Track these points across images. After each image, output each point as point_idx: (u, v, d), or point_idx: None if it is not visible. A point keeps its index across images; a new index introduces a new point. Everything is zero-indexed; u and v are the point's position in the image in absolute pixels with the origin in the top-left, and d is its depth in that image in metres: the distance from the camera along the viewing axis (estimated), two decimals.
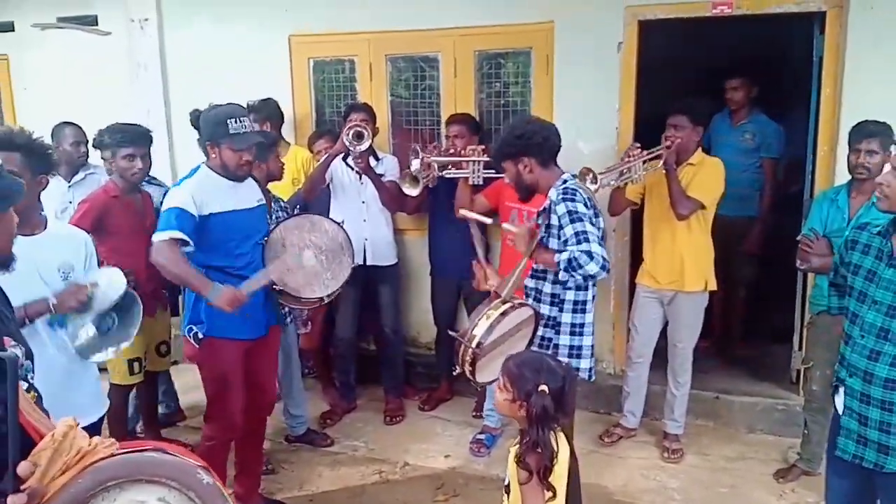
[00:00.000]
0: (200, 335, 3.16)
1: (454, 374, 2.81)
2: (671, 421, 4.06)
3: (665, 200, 3.74)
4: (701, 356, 4.43)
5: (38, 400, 1.71)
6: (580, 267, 2.77)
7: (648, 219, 3.96)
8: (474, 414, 4.51)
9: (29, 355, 1.75)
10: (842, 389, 2.42)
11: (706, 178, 3.77)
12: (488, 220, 3.24)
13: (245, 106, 3.24)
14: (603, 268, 2.79)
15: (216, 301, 2.95)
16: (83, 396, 2.65)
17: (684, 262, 3.84)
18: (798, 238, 3.41)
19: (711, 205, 3.79)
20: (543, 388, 2.05)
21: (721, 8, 3.90)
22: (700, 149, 3.87)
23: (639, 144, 3.69)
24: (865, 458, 2.35)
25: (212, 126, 3.08)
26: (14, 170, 2.37)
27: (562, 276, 2.87)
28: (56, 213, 4.20)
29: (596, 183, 3.40)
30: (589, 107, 4.23)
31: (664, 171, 3.71)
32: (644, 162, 3.66)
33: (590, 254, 2.76)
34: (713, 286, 3.91)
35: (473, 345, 2.62)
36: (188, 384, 3.32)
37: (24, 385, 1.64)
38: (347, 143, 3.97)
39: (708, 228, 3.86)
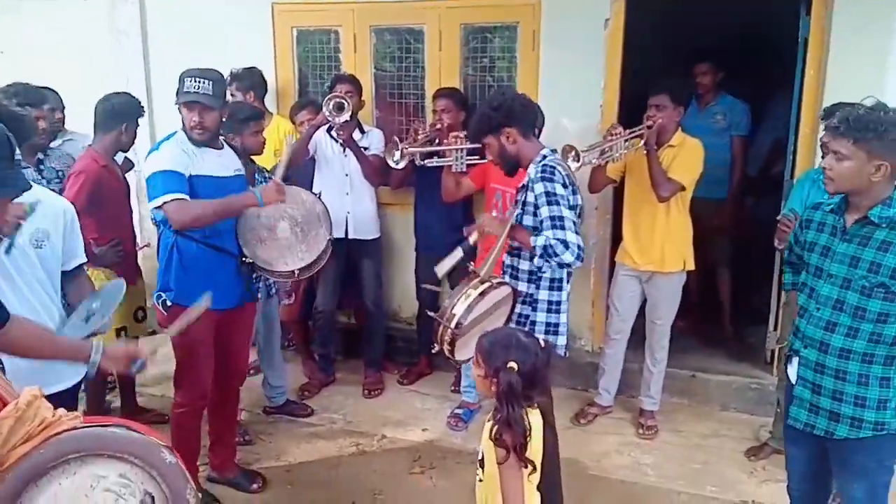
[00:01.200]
0: (169, 303, 3.16)
1: (433, 352, 2.82)
2: (647, 398, 4.11)
3: (645, 180, 3.74)
4: (678, 335, 4.48)
5: (1, 370, 1.71)
6: (555, 255, 2.76)
7: (628, 198, 3.97)
8: (453, 389, 4.54)
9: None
10: (795, 360, 2.53)
11: (686, 159, 3.77)
12: (458, 253, 3.06)
13: (221, 72, 3.16)
14: (578, 257, 2.78)
15: (267, 200, 3.12)
16: (59, 363, 2.62)
17: (663, 242, 3.86)
18: (778, 218, 3.43)
19: (691, 186, 3.80)
20: (512, 364, 2.05)
21: None
22: (679, 130, 3.85)
23: (620, 126, 3.69)
24: (816, 426, 2.46)
25: (178, 84, 3.07)
26: None
27: (537, 261, 2.87)
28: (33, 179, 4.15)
29: (578, 161, 3.39)
30: (574, 83, 4.21)
31: (644, 152, 3.70)
32: (625, 141, 3.66)
33: (565, 243, 2.75)
34: (691, 266, 3.94)
35: (452, 325, 2.62)
36: (169, 353, 3.35)
37: None
38: (328, 115, 3.93)
39: (686, 209, 3.88)
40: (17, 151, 1.69)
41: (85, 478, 1.25)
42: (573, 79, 4.20)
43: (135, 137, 3.85)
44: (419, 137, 3.94)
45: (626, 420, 4.24)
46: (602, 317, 4.45)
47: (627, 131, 3.65)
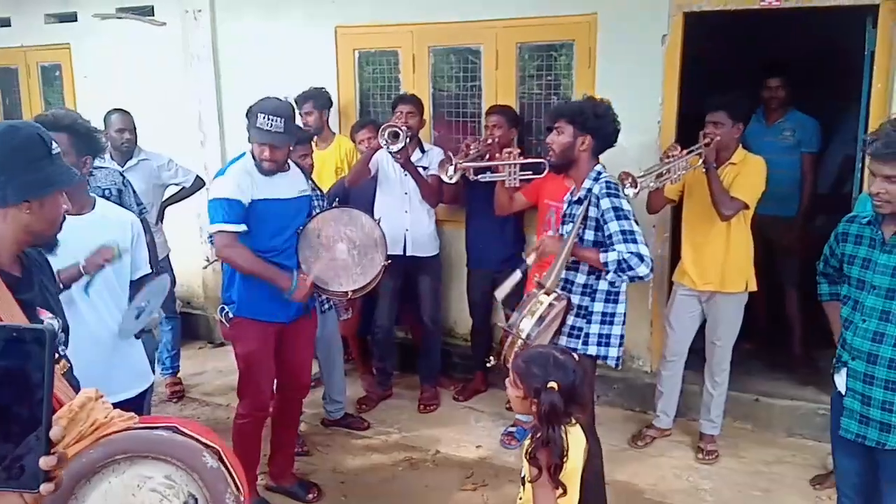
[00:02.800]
0: (232, 315, 3.28)
1: (488, 365, 2.85)
2: (707, 421, 4.00)
3: (705, 200, 3.66)
4: (743, 357, 4.36)
5: (70, 370, 1.80)
6: (630, 269, 2.79)
7: (687, 217, 3.90)
8: (507, 406, 4.51)
9: (65, 328, 1.84)
10: (844, 371, 2.51)
11: (749, 177, 3.67)
12: (517, 275, 3.12)
13: (290, 105, 3.30)
14: (651, 270, 2.81)
15: (295, 297, 3.21)
16: (127, 371, 2.72)
17: (725, 262, 3.76)
18: None
19: (753, 204, 3.70)
20: (552, 384, 2.04)
21: (770, 0, 3.80)
22: (740, 147, 3.77)
23: (678, 145, 3.63)
24: (868, 437, 2.44)
25: (250, 115, 3.20)
26: (62, 149, 2.50)
27: (610, 276, 2.86)
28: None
29: (636, 187, 3.27)
30: (631, 101, 4.14)
31: (704, 170, 3.62)
32: (684, 161, 3.58)
33: (640, 256, 2.78)
34: (753, 287, 3.83)
35: (524, 336, 2.65)
36: (231, 365, 3.48)
37: (55, 355, 1.74)
38: (383, 143, 4.00)
39: (748, 227, 3.78)
40: (55, 145, 1.73)
41: (133, 477, 1.31)
42: (630, 96, 4.14)
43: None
44: (470, 152, 3.98)
45: (684, 443, 4.13)
46: (660, 336, 4.36)
47: (685, 150, 3.58)
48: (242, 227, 3.16)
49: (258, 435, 3.49)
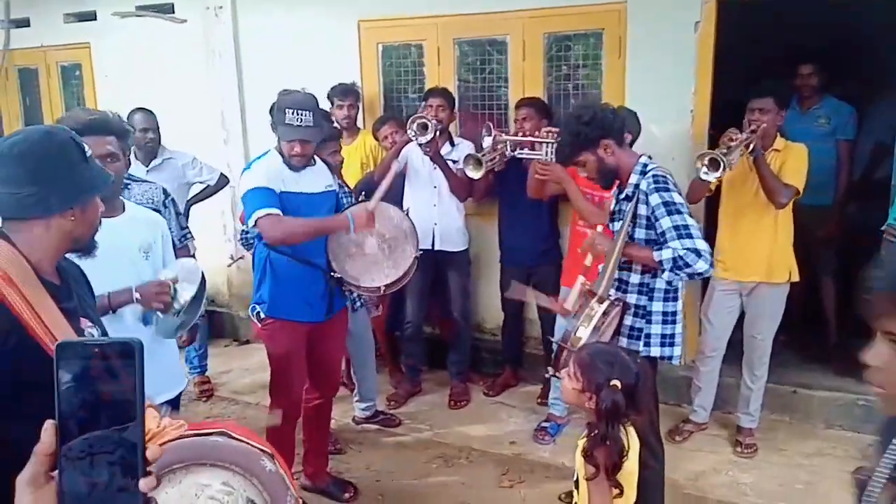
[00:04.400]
0: (263, 315, 3.25)
1: (547, 376, 2.77)
2: (745, 415, 3.94)
3: (748, 190, 3.60)
4: (780, 349, 4.28)
5: None
6: (687, 266, 2.63)
7: (727, 209, 3.81)
8: (539, 401, 4.48)
9: (104, 337, 1.81)
10: None
11: (795, 162, 3.60)
12: (581, 281, 2.97)
13: (316, 99, 3.24)
14: (711, 265, 2.66)
15: (358, 227, 3.20)
16: (162, 374, 2.71)
17: (771, 252, 3.69)
18: (882, 228, 3.24)
19: (803, 189, 3.62)
20: (616, 382, 1.99)
21: None
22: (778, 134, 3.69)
23: (735, 129, 3.50)
24: None
25: (276, 111, 3.16)
26: (115, 151, 2.46)
27: (667, 275, 2.75)
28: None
29: (719, 172, 3.26)
30: (663, 89, 4.10)
31: (749, 159, 3.53)
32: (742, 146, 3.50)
33: (697, 251, 2.62)
34: (796, 276, 3.77)
35: (577, 348, 2.57)
36: (263, 362, 3.46)
37: None
38: (412, 135, 3.96)
39: (791, 216, 3.72)
40: (87, 148, 1.70)
41: (190, 486, 1.27)
42: (661, 84, 4.09)
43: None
44: (498, 145, 3.92)
45: (722, 437, 4.07)
46: (694, 330, 4.28)
47: (742, 136, 3.46)
48: (278, 212, 3.09)
49: (292, 434, 3.46)
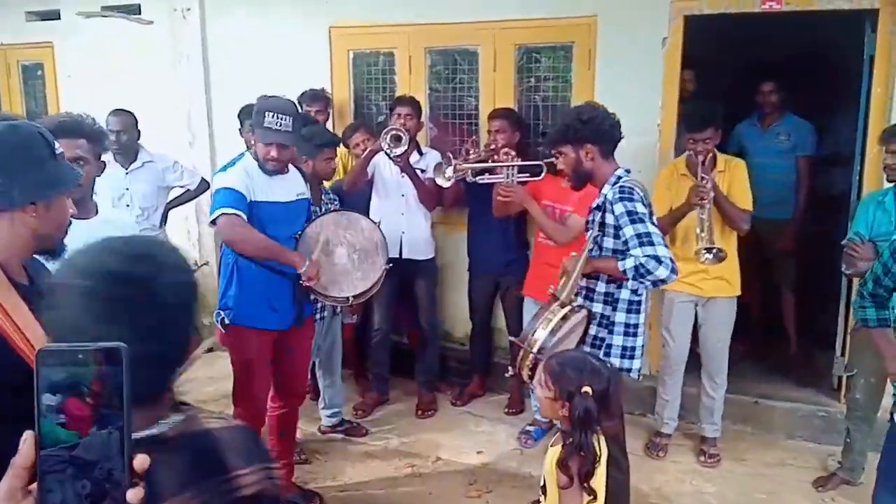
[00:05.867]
0: (227, 321, 3.21)
1: (507, 375, 2.79)
2: (709, 425, 3.99)
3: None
4: (741, 360, 4.37)
5: None
6: (649, 273, 2.66)
7: (683, 229, 3.83)
8: (507, 411, 4.49)
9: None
10: None
11: (741, 181, 3.72)
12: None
13: (295, 104, 3.22)
14: (673, 271, 2.67)
15: (307, 275, 3.11)
16: None
17: (725, 268, 3.72)
18: (843, 242, 3.33)
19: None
20: (587, 389, 2.01)
21: (770, 4, 3.81)
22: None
23: (705, 184, 3.51)
24: None
25: (254, 114, 3.14)
26: (84, 155, 2.43)
27: (631, 284, 2.79)
28: (113, 199, 4.28)
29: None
30: (631, 103, 4.11)
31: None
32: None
33: (657, 258, 2.65)
34: (739, 290, 3.88)
35: (535, 349, 2.58)
36: (227, 370, 3.40)
37: None
38: (385, 147, 3.95)
39: (736, 234, 3.81)
40: (57, 145, 1.66)
41: None
42: (630, 98, 4.13)
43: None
44: (470, 158, 3.94)
45: (686, 447, 4.12)
46: (658, 340, 4.34)
47: (703, 180, 3.52)
48: (243, 215, 3.05)
49: None
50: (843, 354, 4.06)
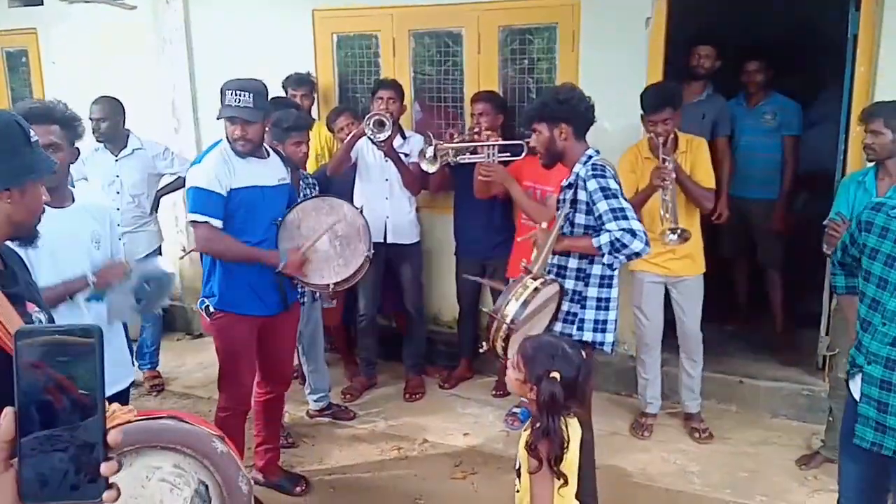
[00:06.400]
0: (212, 308, 3.21)
1: (480, 351, 2.80)
2: (692, 401, 4.03)
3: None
4: (726, 339, 4.39)
5: None
6: (625, 247, 2.70)
7: (648, 209, 3.82)
8: (494, 393, 4.51)
9: (51, 321, 1.76)
10: (858, 377, 2.34)
11: (702, 161, 3.77)
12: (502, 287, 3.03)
13: (262, 82, 3.16)
14: (646, 244, 2.73)
15: (288, 269, 3.13)
16: (110, 364, 2.64)
17: (692, 246, 3.79)
18: (825, 223, 3.35)
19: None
20: (555, 374, 2.02)
21: None
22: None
23: (665, 165, 3.57)
24: (885, 446, 2.28)
25: (220, 96, 3.11)
26: (57, 141, 2.43)
27: (607, 259, 2.81)
28: (104, 185, 4.28)
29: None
30: (615, 84, 4.14)
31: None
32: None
33: (632, 231, 2.70)
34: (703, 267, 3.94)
35: (508, 320, 2.60)
36: (216, 356, 3.41)
37: None
38: (369, 133, 3.94)
39: (699, 213, 3.88)
40: (33, 133, 1.65)
41: (140, 469, 1.25)
42: (614, 79, 4.15)
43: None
44: (454, 142, 3.94)
45: (670, 426, 4.15)
46: (632, 321, 4.37)
47: (664, 161, 3.58)
48: (220, 224, 3.08)
49: (242, 429, 3.40)
50: (827, 334, 4.09)
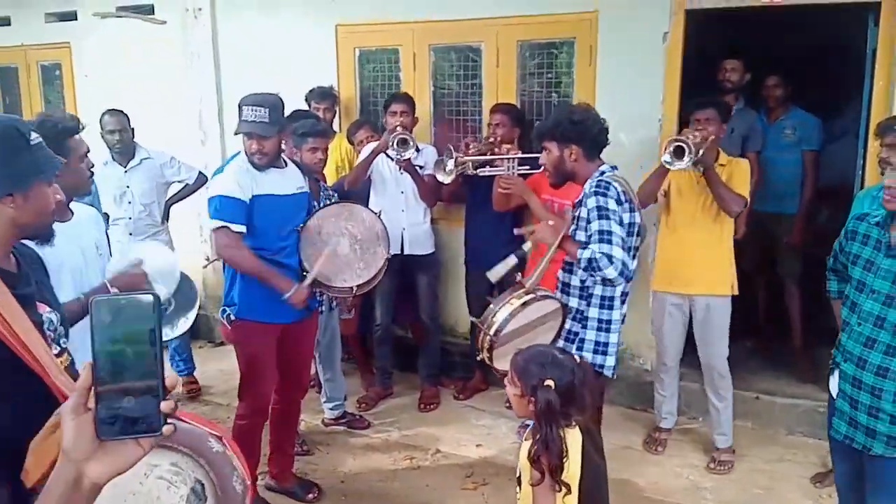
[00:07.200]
0: (233, 317, 3.27)
1: (477, 359, 2.82)
2: (718, 435, 3.90)
3: (695, 201, 3.67)
4: (744, 355, 4.35)
5: (72, 364, 1.79)
6: (599, 269, 2.73)
7: (675, 221, 3.82)
8: (508, 405, 4.50)
9: (63, 321, 1.83)
10: (836, 373, 2.51)
11: (741, 175, 3.68)
12: (511, 260, 3.08)
13: (278, 97, 3.24)
14: (621, 274, 2.73)
15: (293, 300, 3.16)
16: None
17: (715, 264, 3.73)
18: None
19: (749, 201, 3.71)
20: (549, 382, 2.02)
21: None
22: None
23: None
24: (855, 440, 2.44)
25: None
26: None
27: (581, 274, 2.85)
28: (115, 197, 4.39)
29: (688, 158, 3.34)
30: (632, 98, 4.17)
31: (696, 172, 3.60)
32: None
33: (610, 257, 2.71)
34: (736, 290, 3.79)
35: (491, 332, 2.62)
36: (232, 365, 3.48)
37: (56, 349, 1.72)
38: (393, 153, 4.03)
39: (732, 231, 3.78)
40: (35, 136, 1.67)
41: (139, 465, 1.30)
42: (631, 93, 4.17)
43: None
44: (470, 152, 3.99)
45: (684, 441, 4.13)
46: (652, 338, 4.36)
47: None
48: (243, 229, 3.14)
49: (258, 435, 3.46)
50: None
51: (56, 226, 1.86)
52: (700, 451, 4.02)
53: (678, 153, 3.33)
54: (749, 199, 3.67)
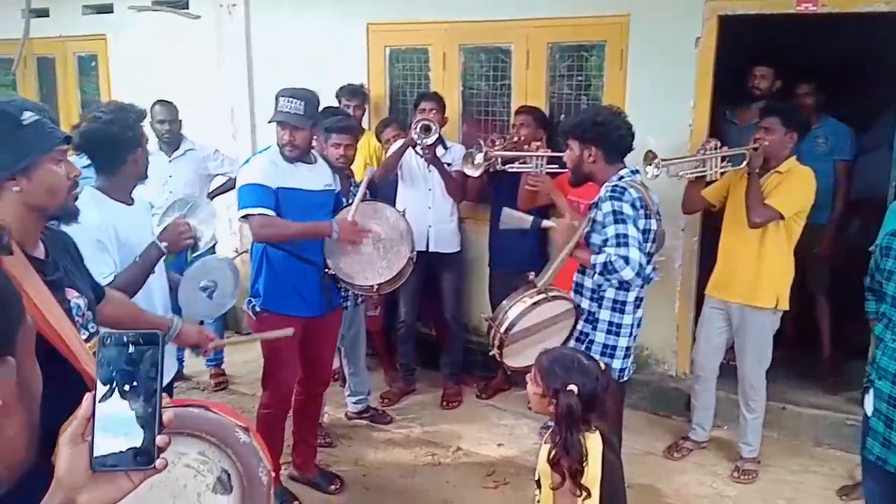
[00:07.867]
0: (258, 308, 3.31)
1: (490, 354, 2.84)
2: (743, 444, 3.86)
3: (742, 208, 3.60)
4: (771, 365, 4.28)
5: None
6: (615, 271, 2.73)
7: (725, 226, 3.79)
8: (529, 405, 4.50)
9: (91, 306, 1.85)
10: (871, 391, 2.44)
11: (791, 187, 3.55)
12: (528, 218, 3.19)
13: (313, 92, 3.28)
14: (638, 275, 2.73)
15: (342, 236, 3.24)
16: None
17: (756, 274, 3.64)
18: (871, 249, 3.27)
19: (790, 216, 3.54)
20: (572, 387, 2.03)
21: (806, 5, 3.75)
22: (793, 157, 3.65)
23: (716, 140, 3.59)
24: (888, 462, 2.36)
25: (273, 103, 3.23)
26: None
27: (596, 278, 2.85)
28: (158, 186, 4.46)
29: (658, 169, 3.32)
30: (662, 102, 4.14)
31: (747, 174, 3.56)
32: (723, 160, 3.54)
33: (626, 259, 2.71)
34: (785, 305, 3.68)
35: (502, 329, 2.64)
36: (257, 356, 3.54)
37: (85, 334, 1.76)
38: (415, 137, 4.06)
39: (790, 242, 3.64)
40: (28, 114, 1.63)
41: (167, 453, 1.33)
42: (661, 98, 4.14)
43: None
44: (496, 147, 4.01)
45: (708, 449, 4.09)
46: (687, 342, 4.33)
47: (726, 149, 3.54)
48: (272, 213, 3.17)
49: (282, 426, 3.51)
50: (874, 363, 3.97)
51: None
52: (724, 458, 3.98)
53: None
54: (787, 213, 3.53)
